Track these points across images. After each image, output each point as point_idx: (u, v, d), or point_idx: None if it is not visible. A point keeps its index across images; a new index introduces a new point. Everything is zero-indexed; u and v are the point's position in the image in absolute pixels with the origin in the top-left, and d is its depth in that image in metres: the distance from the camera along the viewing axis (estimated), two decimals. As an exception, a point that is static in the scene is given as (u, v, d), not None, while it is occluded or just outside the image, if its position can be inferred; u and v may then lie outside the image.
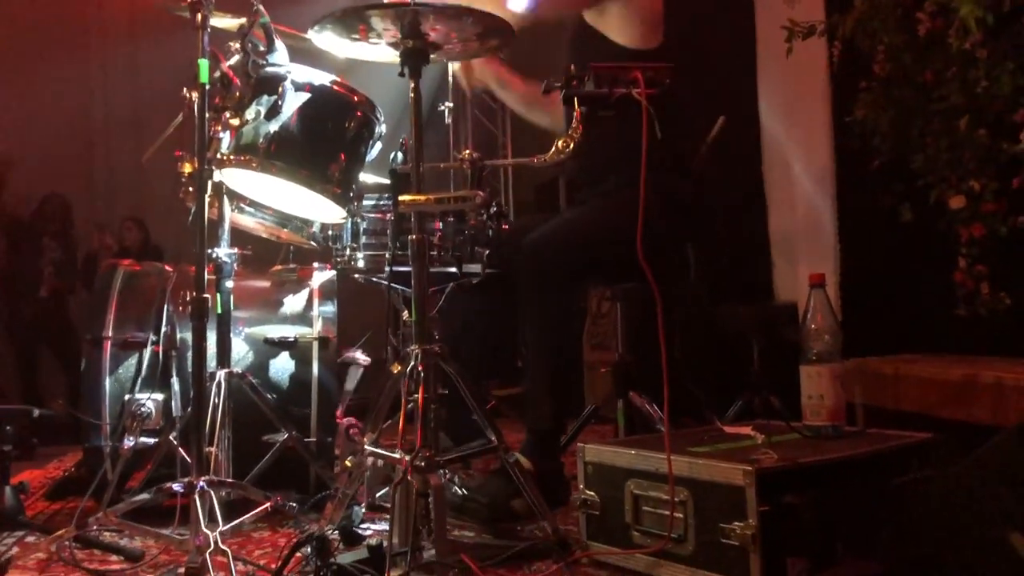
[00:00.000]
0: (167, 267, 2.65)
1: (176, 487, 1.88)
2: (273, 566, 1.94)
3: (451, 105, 3.52)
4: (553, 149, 1.91)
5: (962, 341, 3.00)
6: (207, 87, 1.96)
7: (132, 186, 6.79)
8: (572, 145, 1.86)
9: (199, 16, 1.97)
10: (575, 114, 1.86)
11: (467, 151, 2.08)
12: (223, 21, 2.35)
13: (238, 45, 2.26)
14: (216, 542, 1.75)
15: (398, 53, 1.94)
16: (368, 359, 3.26)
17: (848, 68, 3.39)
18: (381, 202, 2.32)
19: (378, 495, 2.29)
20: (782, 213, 4.03)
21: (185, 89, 2.41)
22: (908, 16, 3.03)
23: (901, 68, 3.09)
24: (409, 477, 1.79)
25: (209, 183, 1.96)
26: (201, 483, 1.84)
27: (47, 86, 6.44)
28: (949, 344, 3.05)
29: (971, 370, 2.57)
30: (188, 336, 2.44)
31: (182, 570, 1.85)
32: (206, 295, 1.87)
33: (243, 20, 2.31)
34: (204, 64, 1.95)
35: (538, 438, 2.39)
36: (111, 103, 7.09)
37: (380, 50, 2.00)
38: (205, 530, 1.77)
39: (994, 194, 2.84)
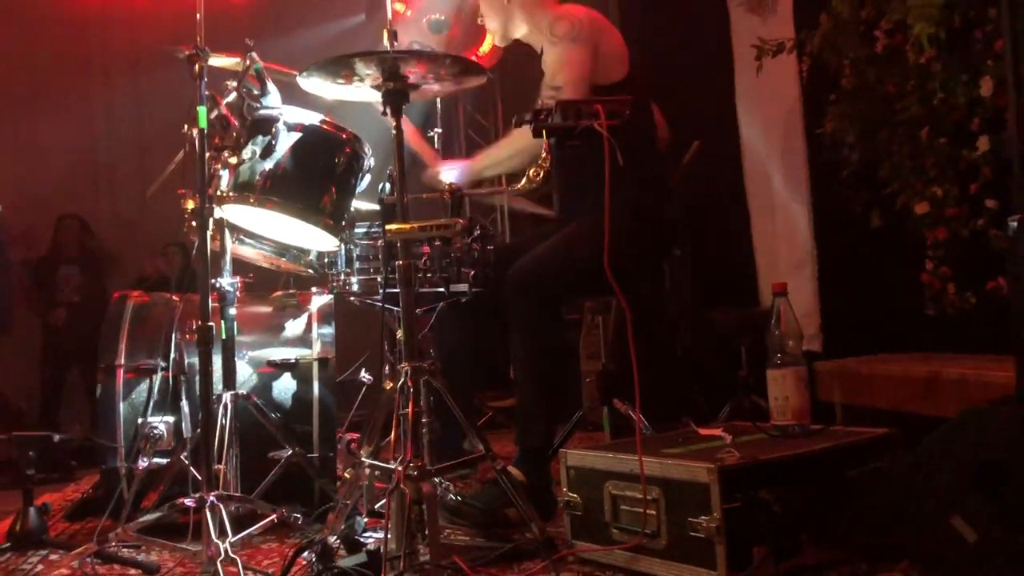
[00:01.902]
0: (174, 297, 2.81)
1: (188, 502, 2.03)
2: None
3: (440, 131, 3.69)
4: (524, 179, 2.07)
5: (932, 339, 3.15)
6: (206, 131, 2.12)
7: (136, 219, 6.95)
8: (542, 174, 2.02)
9: (197, 66, 2.12)
10: (543, 145, 2.01)
11: (448, 183, 2.23)
12: (218, 60, 2.50)
13: (234, 83, 2.43)
14: (227, 551, 1.90)
15: (380, 94, 2.09)
16: (371, 378, 3.43)
17: (817, 82, 3.55)
18: (373, 229, 2.49)
19: (378, 504, 2.44)
20: (763, 221, 4.17)
21: (186, 126, 2.58)
22: (869, 32, 3.19)
23: (865, 81, 3.24)
24: (402, 485, 1.94)
25: (211, 219, 2.12)
26: (211, 498, 2.00)
27: (52, 122, 6.56)
28: (921, 342, 3.20)
29: (936, 367, 2.72)
30: (196, 361, 2.59)
31: (199, 579, 2.00)
32: (210, 323, 2.03)
33: (237, 60, 2.47)
34: (203, 111, 2.11)
35: (528, 454, 2.54)
36: (114, 137, 7.21)
37: (364, 91, 2.16)
38: (216, 541, 1.92)
39: (955, 199, 2.98)
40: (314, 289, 2.89)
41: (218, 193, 2.27)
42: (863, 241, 3.43)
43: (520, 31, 2.86)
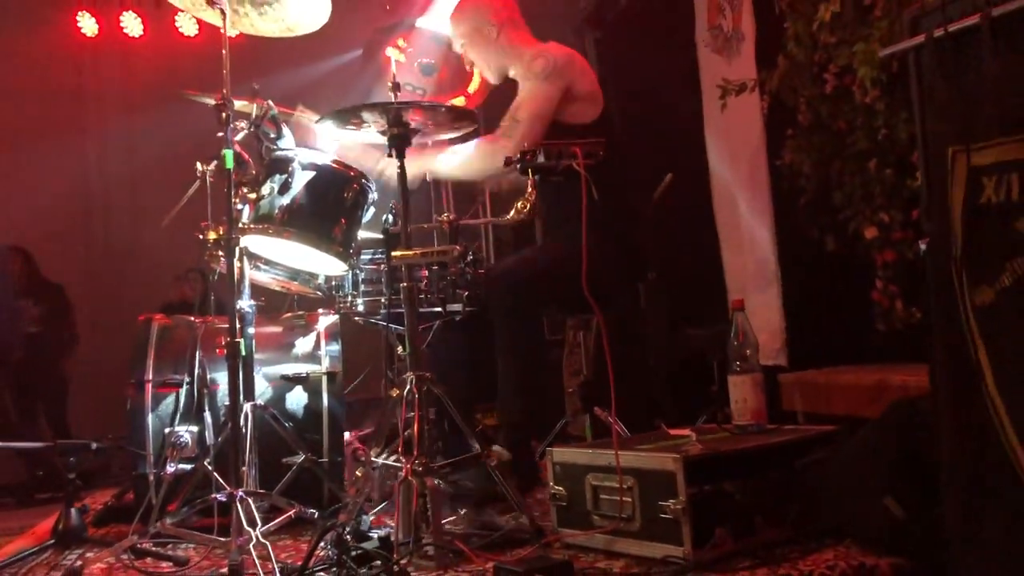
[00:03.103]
0: (194, 319, 3.09)
1: (221, 497, 2.30)
2: (298, 563, 2.34)
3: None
4: (513, 211, 2.38)
5: (884, 351, 3.46)
6: (231, 172, 2.40)
7: (128, 251, 7.19)
8: (529, 206, 2.32)
9: (224, 115, 2.41)
10: (529, 181, 2.32)
11: (445, 214, 2.54)
12: (239, 103, 2.78)
13: (244, 123, 2.73)
14: (257, 537, 2.17)
15: (386, 138, 2.40)
16: None
17: (777, 117, 3.87)
18: (376, 255, 2.78)
19: (382, 504, 2.71)
20: (732, 246, 4.46)
21: (198, 163, 2.87)
22: (821, 74, 3.52)
23: (819, 118, 3.57)
24: (410, 478, 2.22)
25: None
26: (240, 492, 2.27)
27: (46, 157, 6.72)
28: (874, 354, 3.50)
29: (884, 376, 3.02)
30: (217, 376, 2.88)
31: (224, 570, 2.27)
32: (238, 340, 2.31)
33: (246, 102, 2.76)
34: (229, 153, 2.39)
35: (512, 431, 2.83)
36: (107, 172, 7.39)
37: (370, 135, 2.47)
38: (248, 528, 2.18)
39: (901, 224, 3.30)
40: (320, 310, 3.18)
41: (239, 225, 2.55)
42: (821, 263, 3.73)
43: (512, 69, 3.16)
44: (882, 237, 3.36)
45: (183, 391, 2.86)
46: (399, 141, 2.35)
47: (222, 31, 2.49)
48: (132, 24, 6.59)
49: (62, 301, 6.30)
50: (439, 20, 4.05)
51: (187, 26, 6.55)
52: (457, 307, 2.74)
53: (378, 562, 2.15)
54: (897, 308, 3.35)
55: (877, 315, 3.41)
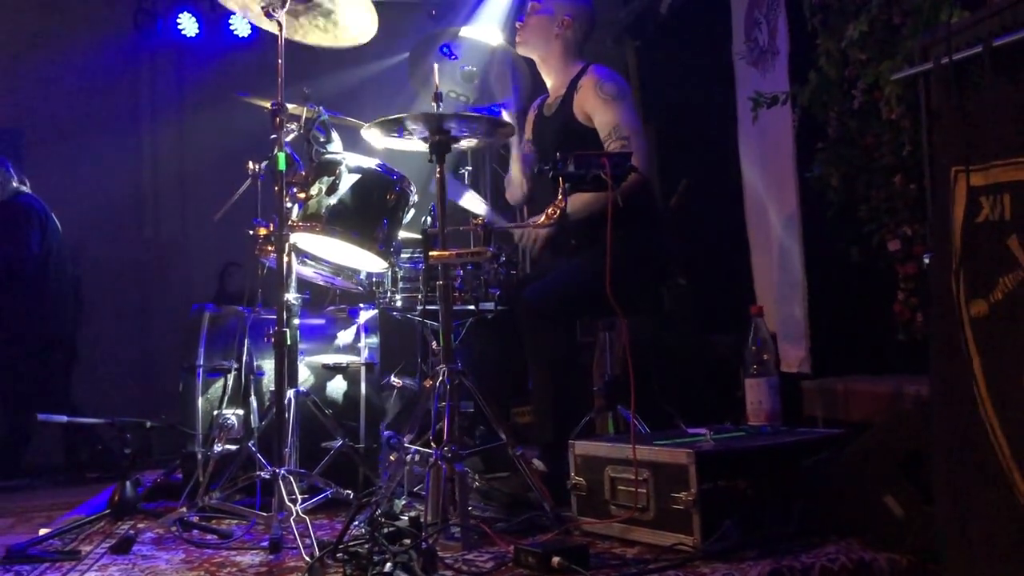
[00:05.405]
0: (241, 309, 3.29)
1: (264, 475, 2.47)
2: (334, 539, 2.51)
3: (470, 168, 4.16)
4: (544, 216, 2.53)
5: (903, 362, 3.55)
6: (283, 173, 2.58)
7: (178, 245, 7.47)
8: (559, 212, 2.47)
9: (278, 119, 2.59)
10: (560, 189, 2.47)
11: (480, 217, 2.70)
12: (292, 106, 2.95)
13: (294, 126, 2.91)
14: (298, 513, 2.34)
15: (427, 145, 2.56)
16: (400, 381, 3.88)
17: (808, 131, 3.98)
18: (415, 254, 2.95)
19: (415, 488, 2.87)
20: (761, 253, 4.56)
21: (250, 162, 3.05)
22: (851, 90, 3.63)
23: (847, 133, 3.68)
24: (440, 463, 2.38)
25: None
26: (282, 471, 2.44)
27: (101, 154, 6.99)
28: (893, 364, 3.60)
29: (899, 385, 3.13)
30: (263, 364, 3.07)
31: (266, 544, 2.44)
32: (286, 329, 2.49)
33: (296, 105, 2.94)
34: (282, 156, 2.57)
35: (545, 449, 2.98)
36: (159, 170, 7.67)
37: (413, 143, 2.63)
38: (288, 503, 2.36)
39: (923, 238, 3.40)
40: (361, 305, 3.36)
41: (289, 223, 2.73)
42: (846, 275, 3.83)
43: (544, 54, 3.40)
44: (904, 250, 3.45)
45: (231, 376, 3.05)
46: (439, 147, 2.52)
47: (279, 40, 2.67)
48: (188, 24, 6.83)
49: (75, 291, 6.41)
50: (484, 29, 4.20)
51: (241, 28, 6.78)
52: (489, 306, 2.90)
53: (407, 540, 2.30)
54: (917, 320, 3.44)
55: (898, 326, 3.50)
